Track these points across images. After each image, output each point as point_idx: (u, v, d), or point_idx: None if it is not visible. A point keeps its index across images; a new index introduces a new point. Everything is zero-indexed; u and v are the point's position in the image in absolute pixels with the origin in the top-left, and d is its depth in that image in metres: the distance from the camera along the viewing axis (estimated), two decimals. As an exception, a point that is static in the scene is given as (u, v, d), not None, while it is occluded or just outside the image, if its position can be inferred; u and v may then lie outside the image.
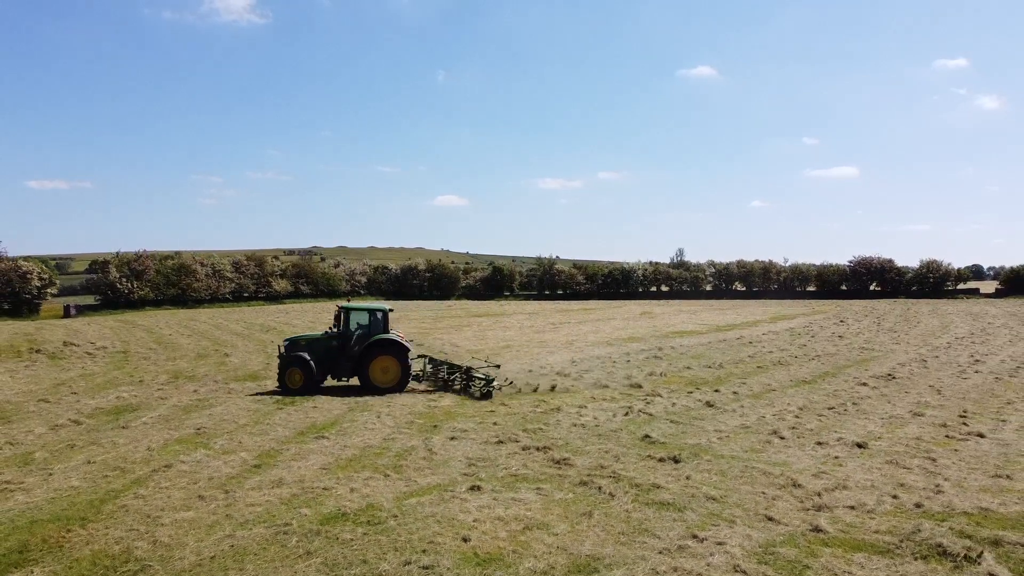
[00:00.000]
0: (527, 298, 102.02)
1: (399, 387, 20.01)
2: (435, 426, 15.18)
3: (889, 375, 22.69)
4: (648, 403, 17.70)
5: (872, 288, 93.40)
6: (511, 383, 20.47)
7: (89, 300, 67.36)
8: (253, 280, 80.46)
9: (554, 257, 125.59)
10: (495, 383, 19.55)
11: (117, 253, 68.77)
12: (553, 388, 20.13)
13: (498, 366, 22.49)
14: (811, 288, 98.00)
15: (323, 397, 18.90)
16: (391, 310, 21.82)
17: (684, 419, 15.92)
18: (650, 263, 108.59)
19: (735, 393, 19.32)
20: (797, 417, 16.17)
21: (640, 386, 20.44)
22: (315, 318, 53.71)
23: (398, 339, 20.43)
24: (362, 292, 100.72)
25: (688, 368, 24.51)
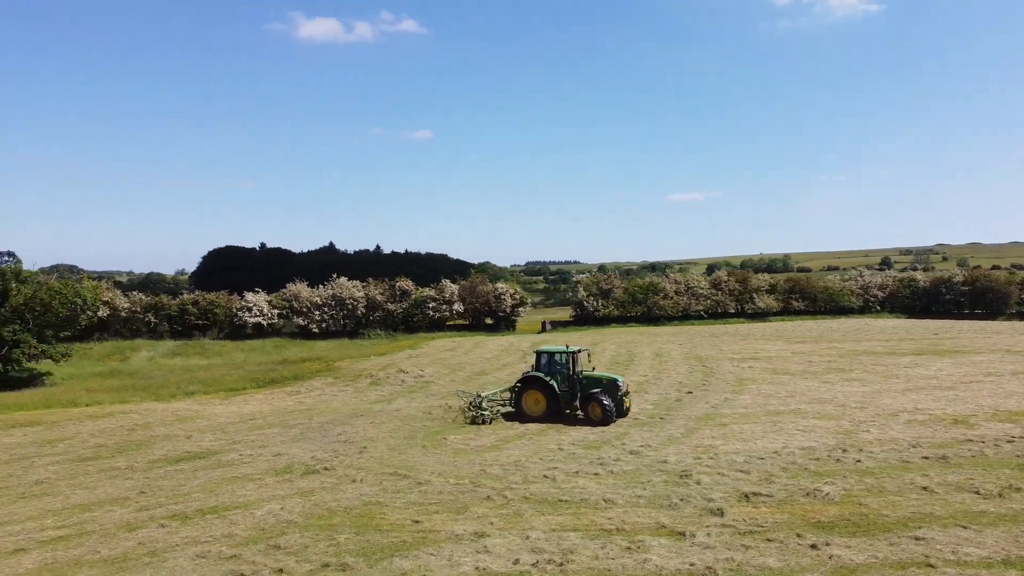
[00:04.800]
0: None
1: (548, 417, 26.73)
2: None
3: None
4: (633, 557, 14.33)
5: None
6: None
7: (564, 316, 79.30)
8: (733, 297, 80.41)
9: None
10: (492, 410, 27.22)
11: (587, 274, 78.91)
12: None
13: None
14: None
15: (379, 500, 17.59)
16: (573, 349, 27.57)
17: None
18: None
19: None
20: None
21: (722, 512, 15.99)
22: (786, 347, 52.13)
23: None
24: (877, 308, 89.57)
25: (901, 494, 17.17)
